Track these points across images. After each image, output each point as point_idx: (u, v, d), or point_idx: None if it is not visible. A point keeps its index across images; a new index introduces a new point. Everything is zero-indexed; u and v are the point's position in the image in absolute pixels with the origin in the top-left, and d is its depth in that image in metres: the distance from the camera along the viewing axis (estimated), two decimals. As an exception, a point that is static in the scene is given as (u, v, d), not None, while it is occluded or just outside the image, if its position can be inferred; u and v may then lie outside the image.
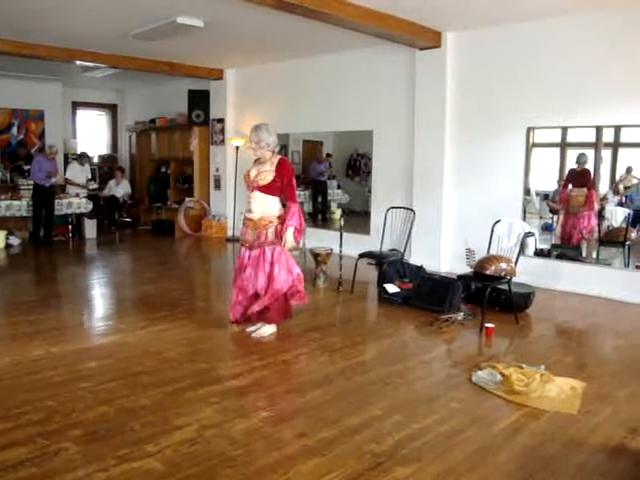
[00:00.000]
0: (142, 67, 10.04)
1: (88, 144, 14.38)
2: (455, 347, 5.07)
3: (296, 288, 5.06)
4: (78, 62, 9.67)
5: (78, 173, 11.54)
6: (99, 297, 6.88)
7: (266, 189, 4.86)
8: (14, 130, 12.81)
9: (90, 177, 12.05)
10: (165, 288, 7.01)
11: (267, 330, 5.07)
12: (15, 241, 10.05)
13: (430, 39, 7.51)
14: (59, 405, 3.59)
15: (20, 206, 10.13)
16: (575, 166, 7.06)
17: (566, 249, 7.23)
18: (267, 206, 4.91)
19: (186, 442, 3.14)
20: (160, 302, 6.26)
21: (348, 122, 9.14)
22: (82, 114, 14.52)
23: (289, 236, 4.81)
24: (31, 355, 4.51)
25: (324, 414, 3.53)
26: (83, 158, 11.81)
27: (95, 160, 14.07)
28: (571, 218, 7.20)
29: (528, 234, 6.14)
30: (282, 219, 4.88)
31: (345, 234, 6.98)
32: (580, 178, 7.05)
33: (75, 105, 14.19)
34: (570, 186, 7.19)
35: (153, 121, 12.85)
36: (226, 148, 11.16)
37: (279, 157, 4.94)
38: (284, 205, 4.97)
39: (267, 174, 4.84)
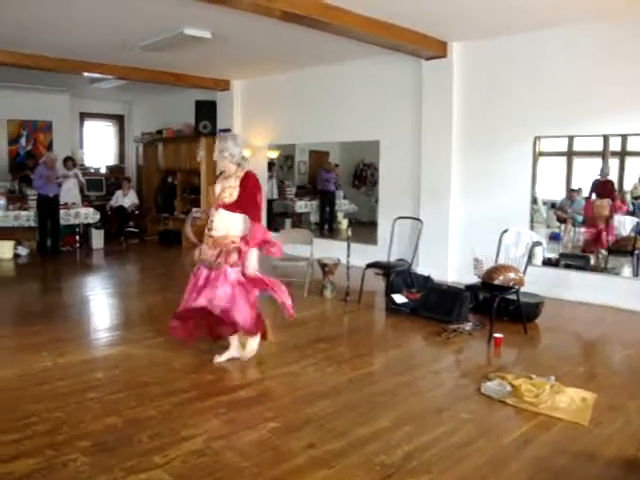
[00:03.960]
0: (149, 78, 10.09)
1: (95, 155, 14.45)
2: (463, 357, 5.04)
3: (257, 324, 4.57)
4: (86, 74, 9.73)
5: (70, 182, 11.40)
6: (106, 307, 6.88)
7: (232, 207, 4.41)
8: (23, 141, 12.89)
9: (83, 180, 11.92)
10: (172, 299, 6.93)
11: (251, 346, 4.70)
12: (23, 251, 10.08)
13: (436, 49, 7.52)
14: (67, 416, 3.58)
15: (28, 216, 10.16)
16: (598, 177, 7.01)
17: (575, 258, 7.19)
18: (231, 225, 4.44)
19: (194, 453, 3.13)
20: (167, 313, 6.21)
21: (354, 132, 9.15)
22: (89, 125, 14.59)
23: (252, 260, 4.42)
24: (38, 366, 4.50)
25: (332, 425, 3.51)
26: (68, 162, 11.61)
27: (102, 171, 14.12)
28: (594, 227, 7.15)
29: (536, 243, 6.10)
30: (244, 240, 4.46)
31: (352, 244, 6.96)
32: (603, 189, 7.02)
33: (83, 116, 14.27)
34: (594, 196, 7.15)
35: (160, 132, 12.89)
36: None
37: (245, 171, 4.49)
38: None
39: (232, 190, 4.40)
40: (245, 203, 4.40)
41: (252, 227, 4.44)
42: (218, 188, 4.50)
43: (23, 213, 10.22)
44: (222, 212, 4.44)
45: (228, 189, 4.42)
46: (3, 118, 12.56)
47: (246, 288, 4.47)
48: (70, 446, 3.19)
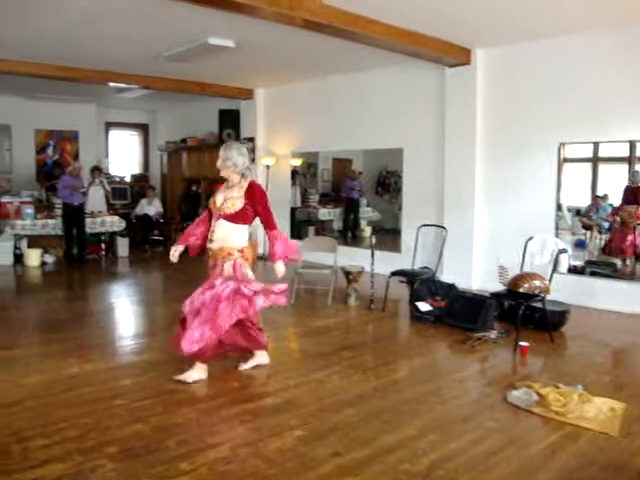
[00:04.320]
0: (174, 88, 10.22)
1: (120, 163, 14.64)
2: (489, 366, 5.01)
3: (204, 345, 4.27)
4: (112, 84, 9.88)
5: (96, 191, 11.51)
6: (131, 315, 6.95)
7: (234, 218, 4.30)
8: (50, 150, 13.13)
9: (108, 189, 12.04)
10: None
11: (191, 375, 4.37)
12: (50, 259, 10.23)
13: (459, 56, 7.51)
14: (95, 422, 3.62)
15: (55, 225, 10.30)
16: (629, 183, 6.93)
17: (601, 266, 7.11)
18: (230, 236, 4.33)
19: (221, 460, 3.15)
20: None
21: (378, 140, 9.15)
22: (115, 134, 14.79)
23: (281, 267, 4.42)
24: (66, 372, 4.56)
25: (358, 433, 3.51)
26: (95, 171, 11.70)
27: (127, 179, 14.28)
28: (624, 234, 7.07)
29: (562, 251, 6.05)
30: (244, 253, 4.36)
31: (375, 252, 6.95)
32: (634, 195, 6.94)
33: (108, 125, 14.48)
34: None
35: (184, 140, 13.02)
36: (256, 167, 11.23)
37: (249, 181, 4.39)
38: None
39: (235, 201, 4.30)
40: (259, 212, 4.37)
41: (272, 235, 4.42)
42: (220, 198, 4.39)
43: (50, 222, 10.36)
44: (222, 223, 4.34)
45: (231, 200, 4.31)
46: (31, 128, 12.80)
47: (230, 309, 4.27)
48: (98, 452, 3.23)
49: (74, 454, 3.19)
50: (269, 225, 4.43)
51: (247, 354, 4.72)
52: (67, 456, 3.17)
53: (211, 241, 4.39)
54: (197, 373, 4.38)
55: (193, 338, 4.23)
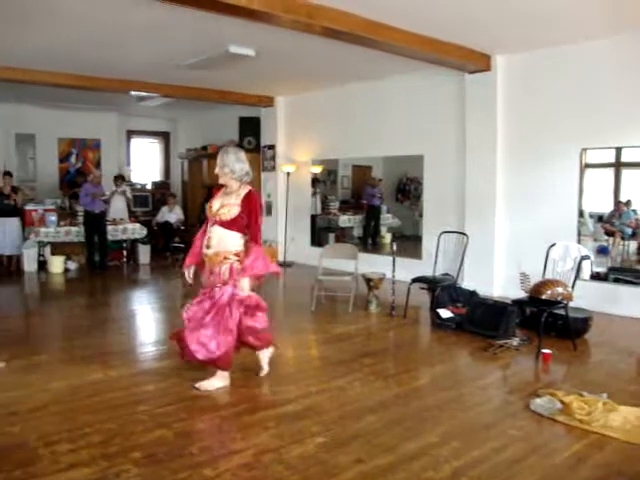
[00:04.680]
0: (194, 96, 10.32)
1: (141, 171, 14.78)
2: (511, 373, 4.98)
3: (215, 355, 4.29)
4: (133, 92, 9.99)
5: (118, 199, 11.65)
6: (153, 321, 7.01)
7: (228, 225, 4.24)
8: (72, 159, 13.30)
9: (130, 197, 12.17)
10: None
11: (213, 383, 4.40)
12: (72, 266, 10.35)
13: (480, 62, 7.50)
14: (119, 427, 3.66)
15: (78, 232, 10.43)
16: None
17: (624, 272, 7.04)
18: (225, 241, 4.27)
19: (244, 467, 3.16)
20: (213, 326, 6.32)
21: (398, 147, 9.16)
22: (136, 142, 14.93)
23: (245, 283, 4.25)
24: (90, 378, 4.61)
25: (380, 440, 3.51)
26: (118, 180, 11.86)
27: (148, 187, 14.41)
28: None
29: (584, 257, 6.00)
30: (240, 257, 4.28)
31: (396, 259, 6.95)
32: None
33: (130, 133, 14.62)
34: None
35: (205, 148, 13.09)
36: (277, 174, 11.31)
37: (247, 189, 4.31)
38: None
39: (231, 208, 4.22)
40: (249, 222, 4.24)
41: (252, 250, 4.25)
42: (217, 204, 4.31)
43: (73, 229, 10.50)
44: (217, 229, 4.27)
45: (227, 206, 4.24)
46: (54, 137, 12.99)
47: (228, 312, 4.29)
48: (122, 457, 3.26)
49: (99, 459, 3.23)
50: (252, 237, 4.28)
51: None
52: (92, 461, 3.20)
53: (207, 247, 4.32)
54: (219, 381, 4.40)
55: (209, 349, 4.26)
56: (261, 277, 4.41)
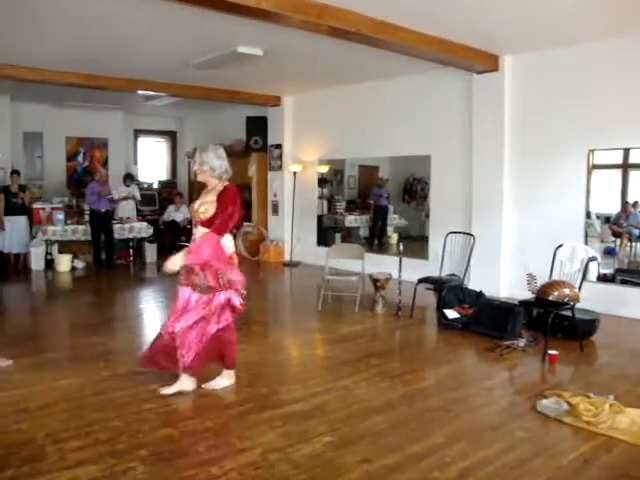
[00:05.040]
0: (202, 95, 10.33)
1: (148, 170, 14.82)
2: (517, 374, 4.97)
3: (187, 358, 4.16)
4: (140, 92, 10.01)
5: (125, 194, 11.67)
6: (159, 320, 7.00)
7: (208, 224, 4.07)
8: (80, 157, 13.36)
9: (139, 198, 12.21)
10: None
11: (219, 383, 4.36)
12: (79, 264, 10.38)
13: (487, 63, 7.49)
14: (125, 425, 3.67)
15: (85, 231, 10.46)
16: None
17: (632, 274, 7.02)
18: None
19: (250, 465, 3.17)
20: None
21: (405, 147, 9.15)
22: (143, 141, 14.99)
23: (174, 260, 4.11)
24: (97, 376, 4.62)
25: (386, 440, 3.51)
26: (127, 179, 11.94)
27: (155, 186, 14.46)
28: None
29: (592, 259, 5.99)
30: (232, 259, 4.17)
31: (403, 259, 6.94)
32: None
33: (136, 132, 14.67)
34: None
35: (211, 147, 13.09)
36: (284, 174, 11.31)
37: (225, 184, 4.17)
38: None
39: (209, 206, 4.08)
40: (217, 213, 4.05)
41: (205, 236, 4.04)
42: (198, 203, 4.19)
43: (80, 227, 10.53)
44: (200, 229, 4.12)
45: (205, 204, 4.11)
46: (62, 135, 13.04)
47: (212, 318, 4.15)
48: (130, 455, 3.27)
49: (106, 456, 3.24)
50: (215, 224, 4.04)
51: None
52: (100, 458, 3.22)
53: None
54: (225, 380, 4.40)
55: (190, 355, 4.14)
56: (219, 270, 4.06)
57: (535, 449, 3.42)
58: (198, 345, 4.15)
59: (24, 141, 12.58)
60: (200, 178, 4.22)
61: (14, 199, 10.13)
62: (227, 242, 4.17)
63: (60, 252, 10.30)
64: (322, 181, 10.99)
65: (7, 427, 3.64)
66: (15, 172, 10.46)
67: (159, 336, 4.34)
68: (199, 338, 4.15)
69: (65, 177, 13.21)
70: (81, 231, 10.51)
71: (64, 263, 10.10)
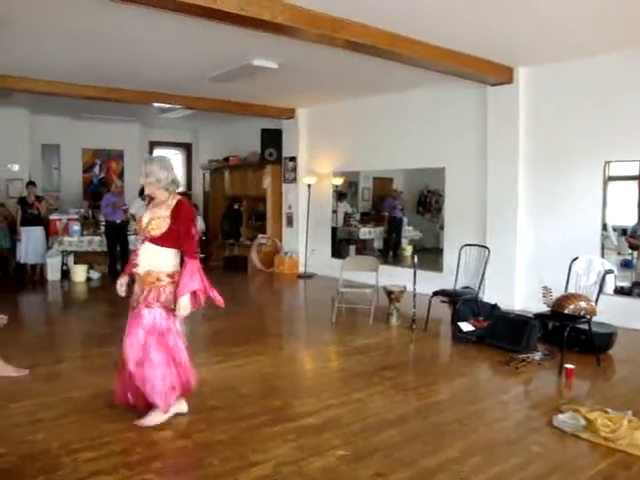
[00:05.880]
0: (217, 108, 10.39)
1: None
2: (533, 388, 4.92)
3: (176, 384, 3.93)
4: (156, 104, 10.10)
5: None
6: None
7: (160, 240, 3.85)
8: (96, 169, 13.49)
9: None
10: (238, 323, 7.11)
11: (152, 418, 3.89)
12: (95, 275, 10.46)
13: (502, 75, 7.48)
14: (139, 437, 3.68)
15: (101, 241, 10.56)
16: None
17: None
18: (157, 259, 3.87)
19: (263, 478, 3.16)
20: (234, 338, 6.35)
21: (419, 159, 9.14)
22: (158, 153, 15.05)
23: (184, 302, 3.83)
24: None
25: (400, 454, 3.48)
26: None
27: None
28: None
29: (608, 271, 5.93)
30: (175, 279, 3.89)
31: (417, 271, 6.92)
32: None
33: (152, 144, 14.77)
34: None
35: (226, 159, 13.17)
36: (298, 186, 11.34)
37: (177, 199, 3.94)
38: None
39: (161, 222, 3.83)
40: (180, 237, 3.84)
41: (188, 264, 3.84)
42: (146, 218, 3.92)
43: (96, 238, 10.64)
44: (148, 246, 3.90)
45: (156, 220, 3.85)
46: (78, 147, 13.18)
47: (166, 338, 3.91)
48: (144, 466, 3.27)
49: (120, 468, 3.25)
50: (186, 251, 3.86)
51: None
52: (114, 470, 3.22)
53: (135, 265, 3.94)
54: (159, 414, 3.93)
55: (164, 388, 3.86)
56: (199, 297, 3.92)
57: (552, 465, 3.38)
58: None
59: (42, 153, 12.74)
60: (147, 191, 4.03)
61: (30, 210, 10.24)
62: (175, 257, 3.95)
63: (76, 263, 10.39)
64: (340, 195, 11.00)
65: (22, 437, 3.66)
66: (31, 183, 10.59)
67: None
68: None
69: (81, 188, 13.33)
70: (97, 242, 10.60)
71: (80, 274, 10.18)
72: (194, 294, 3.88)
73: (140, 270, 3.90)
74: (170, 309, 3.91)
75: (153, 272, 3.86)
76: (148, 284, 3.86)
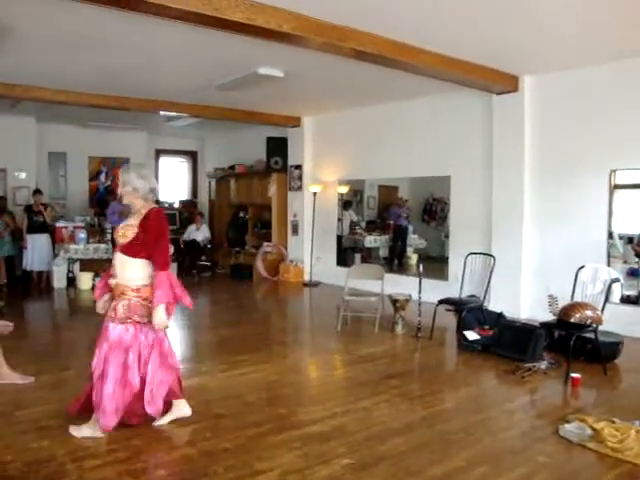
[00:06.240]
0: (222, 116, 10.43)
1: (169, 189, 14.95)
2: (539, 397, 4.90)
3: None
4: (162, 112, 10.14)
5: None
6: (179, 340, 7.02)
7: (126, 249, 3.76)
8: (102, 177, 13.55)
9: None
10: (244, 332, 7.12)
11: (84, 429, 3.78)
12: (101, 283, 10.45)
13: (507, 84, 7.49)
14: (144, 445, 3.68)
15: (107, 249, 10.57)
16: None
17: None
18: (126, 271, 3.76)
19: (269, 487, 3.15)
20: (239, 346, 6.35)
21: (425, 168, 9.15)
22: (164, 161, 15.14)
23: (160, 315, 3.70)
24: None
25: (406, 463, 3.47)
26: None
27: (176, 205, 14.58)
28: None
29: (614, 280, 5.91)
30: (142, 294, 3.77)
31: (422, 280, 6.91)
32: None
33: (158, 152, 14.84)
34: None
35: (232, 167, 13.21)
36: (304, 194, 11.35)
37: (150, 208, 3.84)
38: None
39: (128, 230, 3.77)
40: (148, 247, 3.74)
41: (158, 276, 3.72)
42: (121, 227, 3.88)
43: (102, 246, 10.66)
44: (118, 255, 3.82)
45: (126, 227, 3.80)
46: (85, 155, 13.24)
47: (127, 356, 3.76)
48: (149, 474, 3.29)
49: (125, 475, 3.25)
50: (155, 263, 3.75)
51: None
52: (119, 477, 3.22)
53: (112, 276, 3.86)
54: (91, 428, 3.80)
55: (155, 395, 3.86)
56: (170, 308, 3.83)
57: (558, 475, 3.36)
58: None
59: (49, 161, 12.82)
60: (125, 200, 3.92)
61: (36, 217, 10.30)
62: (144, 269, 3.83)
63: (82, 270, 10.40)
64: (345, 203, 11.00)
65: (28, 444, 3.66)
66: (37, 191, 10.64)
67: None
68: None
69: (87, 196, 13.40)
70: (102, 250, 10.62)
71: (86, 281, 10.19)
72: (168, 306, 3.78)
73: (113, 281, 3.83)
74: (142, 323, 3.80)
75: (120, 284, 3.78)
76: (117, 296, 3.79)
